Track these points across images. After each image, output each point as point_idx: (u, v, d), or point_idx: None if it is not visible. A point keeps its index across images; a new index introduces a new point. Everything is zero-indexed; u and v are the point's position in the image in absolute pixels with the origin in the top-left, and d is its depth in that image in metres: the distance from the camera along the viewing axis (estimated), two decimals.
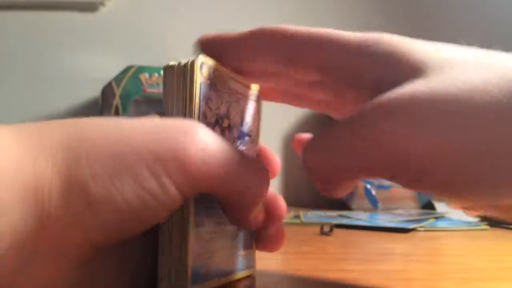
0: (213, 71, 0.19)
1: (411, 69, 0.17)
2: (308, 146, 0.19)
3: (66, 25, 0.68)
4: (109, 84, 0.59)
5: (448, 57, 0.17)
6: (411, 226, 0.44)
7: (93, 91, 0.65)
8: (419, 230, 0.44)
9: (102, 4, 0.68)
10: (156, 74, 0.60)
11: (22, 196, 0.15)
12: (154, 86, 0.60)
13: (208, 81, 0.19)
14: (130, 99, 0.59)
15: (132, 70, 0.59)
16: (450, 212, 0.54)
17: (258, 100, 0.23)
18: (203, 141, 0.17)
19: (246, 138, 0.22)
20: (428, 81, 0.16)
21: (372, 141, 0.16)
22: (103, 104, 0.58)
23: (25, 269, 0.15)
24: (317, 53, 0.19)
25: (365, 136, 0.17)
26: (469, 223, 0.47)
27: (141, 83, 0.59)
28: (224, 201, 0.19)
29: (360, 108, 0.17)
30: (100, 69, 0.67)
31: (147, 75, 0.60)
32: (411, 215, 0.53)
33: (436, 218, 0.50)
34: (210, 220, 0.19)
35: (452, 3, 0.73)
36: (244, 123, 0.22)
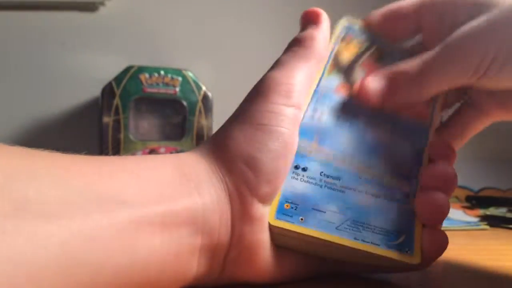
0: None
1: None
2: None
3: (65, 25, 0.68)
4: (109, 84, 0.59)
5: None
6: None
7: (93, 91, 0.65)
8: None
9: (102, 4, 0.68)
10: (156, 74, 0.60)
11: None
12: (154, 86, 0.60)
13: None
14: (130, 99, 0.59)
15: (132, 70, 0.59)
16: (450, 212, 0.54)
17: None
18: None
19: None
20: None
21: None
22: (103, 104, 0.58)
23: None
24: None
25: None
26: (469, 223, 0.47)
27: (141, 83, 0.59)
28: None
29: None
30: (100, 69, 0.67)
31: (147, 75, 0.60)
32: None
33: None
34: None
35: None
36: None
